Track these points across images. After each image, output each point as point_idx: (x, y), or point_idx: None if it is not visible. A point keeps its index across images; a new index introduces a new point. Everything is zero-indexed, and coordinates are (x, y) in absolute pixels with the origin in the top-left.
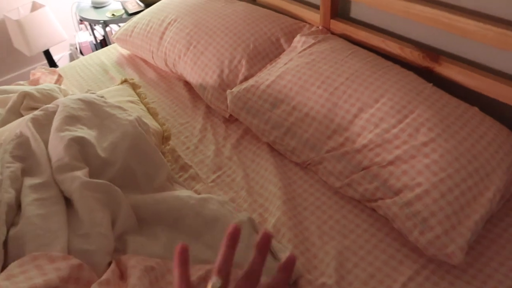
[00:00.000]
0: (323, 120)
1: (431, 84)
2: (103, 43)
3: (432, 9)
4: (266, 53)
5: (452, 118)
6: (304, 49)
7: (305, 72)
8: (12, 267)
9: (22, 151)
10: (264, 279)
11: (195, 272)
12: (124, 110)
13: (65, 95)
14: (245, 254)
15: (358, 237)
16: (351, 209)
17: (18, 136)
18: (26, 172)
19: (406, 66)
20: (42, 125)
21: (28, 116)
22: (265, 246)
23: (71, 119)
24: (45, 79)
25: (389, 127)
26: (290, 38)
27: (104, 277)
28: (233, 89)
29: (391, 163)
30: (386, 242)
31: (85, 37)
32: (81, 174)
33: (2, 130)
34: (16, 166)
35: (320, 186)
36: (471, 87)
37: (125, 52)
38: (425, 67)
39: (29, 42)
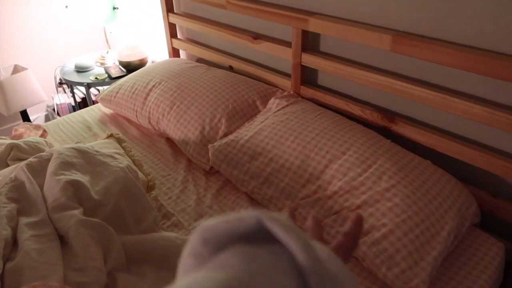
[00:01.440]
0: (297, 170)
1: (390, 140)
2: (82, 104)
3: (386, 77)
4: (243, 113)
5: (409, 168)
6: (278, 110)
7: (280, 128)
8: None
9: (17, 194)
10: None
11: None
12: (115, 158)
13: (50, 148)
14: None
15: None
16: None
17: (12, 180)
18: (21, 212)
19: (367, 125)
20: (37, 171)
21: (23, 162)
22: (359, 220)
23: (66, 165)
24: (29, 134)
25: (356, 175)
26: (265, 101)
27: None
28: (214, 143)
29: (358, 207)
30: (358, 281)
31: (63, 99)
32: (77, 213)
33: None
34: (12, 206)
35: None
36: (423, 143)
37: (108, 111)
38: (384, 126)
39: (8, 102)
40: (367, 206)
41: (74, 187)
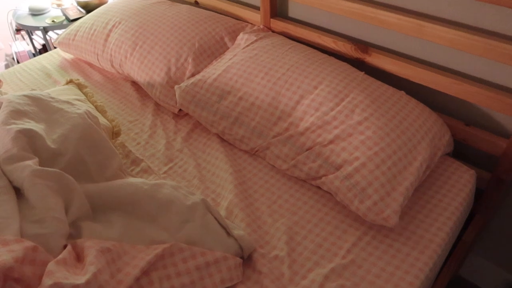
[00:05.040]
0: (268, 108)
1: (363, 72)
2: (43, 51)
3: (359, 5)
4: (211, 51)
5: (382, 99)
6: (247, 45)
7: (249, 65)
8: None
9: None
10: (219, 254)
11: (152, 251)
12: (73, 104)
13: None
14: (199, 233)
15: (306, 213)
16: (298, 189)
17: None
18: None
19: (340, 58)
20: None
21: None
22: None
23: (17, 114)
24: None
25: (328, 110)
26: (233, 37)
27: (60, 256)
28: (180, 84)
29: (331, 142)
30: (331, 215)
31: (22, 46)
32: (31, 163)
33: None
34: None
35: (269, 170)
36: (397, 74)
37: (68, 56)
38: (357, 58)
39: None
40: (339, 140)
41: (27, 136)
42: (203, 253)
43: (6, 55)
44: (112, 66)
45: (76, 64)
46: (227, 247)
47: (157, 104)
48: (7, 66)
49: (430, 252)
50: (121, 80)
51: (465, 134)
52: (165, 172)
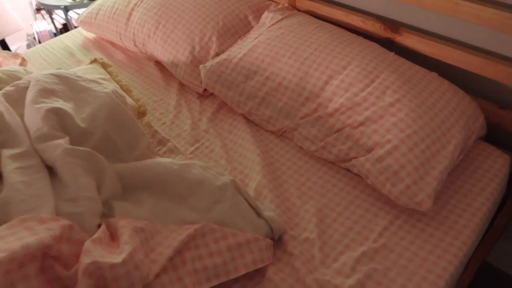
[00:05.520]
0: (296, 88)
1: (393, 52)
2: (64, 31)
3: None
4: (235, 30)
5: (414, 81)
6: (273, 24)
7: (276, 44)
8: (2, 229)
9: None
10: (250, 235)
11: (184, 231)
12: (99, 83)
13: None
14: (230, 214)
15: (335, 195)
16: (327, 171)
17: None
18: (3, 144)
19: (369, 38)
20: (14, 100)
21: (1, 92)
22: None
23: (46, 92)
24: (7, 63)
25: (358, 91)
26: (257, 16)
27: (96, 235)
28: (206, 64)
29: (362, 123)
30: (361, 198)
31: (43, 26)
32: (62, 142)
33: None
34: None
35: (296, 152)
36: (429, 54)
37: (90, 35)
38: (386, 38)
39: None
40: (370, 122)
41: (57, 115)
42: (234, 234)
43: (28, 35)
44: (135, 45)
45: (99, 43)
46: (257, 229)
47: (181, 84)
48: (28, 46)
49: (464, 238)
50: (144, 59)
51: (499, 117)
52: (191, 153)
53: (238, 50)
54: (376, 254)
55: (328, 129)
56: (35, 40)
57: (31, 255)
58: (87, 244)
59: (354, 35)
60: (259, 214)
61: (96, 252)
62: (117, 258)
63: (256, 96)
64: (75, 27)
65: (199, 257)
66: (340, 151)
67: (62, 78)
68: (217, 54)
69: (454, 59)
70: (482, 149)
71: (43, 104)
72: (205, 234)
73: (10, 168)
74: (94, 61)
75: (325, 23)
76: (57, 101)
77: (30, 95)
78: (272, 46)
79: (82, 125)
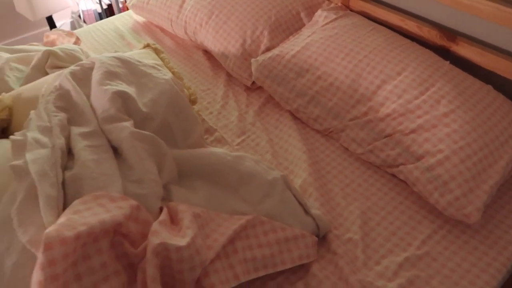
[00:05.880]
0: (347, 90)
1: (448, 61)
2: (108, 11)
3: None
4: (287, 26)
5: (469, 92)
6: (326, 23)
7: (329, 44)
8: (76, 204)
9: (64, 103)
10: (297, 230)
11: (236, 221)
12: (158, 70)
13: (86, 57)
14: (279, 208)
15: (379, 200)
16: (372, 174)
17: (57, 89)
18: (71, 122)
19: (422, 44)
20: (80, 79)
21: (67, 70)
22: None
23: (110, 75)
24: (62, 41)
25: (412, 98)
26: (310, 13)
27: (161, 217)
28: (258, 58)
29: (413, 131)
30: (405, 205)
31: (89, 4)
32: (128, 124)
33: (31, 86)
34: (62, 115)
35: (341, 152)
36: (485, 66)
37: (140, 19)
38: (441, 46)
39: (34, 7)
40: (422, 130)
41: (122, 98)
42: (283, 228)
43: (73, 13)
44: (186, 33)
45: (148, 28)
46: (304, 225)
47: (228, 75)
48: (72, 24)
49: (509, 254)
50: (192, 47)
51: None
52: (238, 144)
53: (291, 47)
54: (419, 261)
55: (378, 134)
56: (79, 19)
57: (105, 231)
58: (155, 225)
59: (409, 41)
60: (306, 211)
61: (163, 234)
62: (182, 241)
63: (306, 94)
64: (120, 9)
65: (249, 247)
66: (388, 156)
67: (124, 62)
68: (268, 49)
69: (509, 72)
70: None
71: (109, 86)
72: (255, 225)
73: (80, 145)
74: (147, 46)
75: (380, 26)
76: (121, 84)
77: (96, 76)
78: (326, 46)
79: (144, 109)
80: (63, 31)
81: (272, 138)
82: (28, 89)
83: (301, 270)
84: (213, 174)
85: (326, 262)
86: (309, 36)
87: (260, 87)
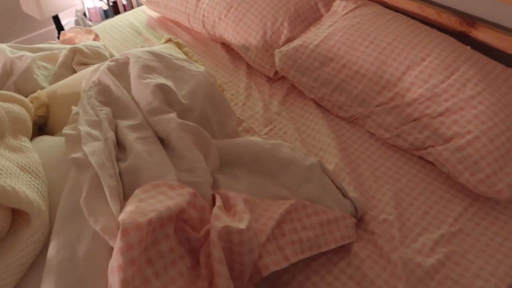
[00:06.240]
0: (373, 77)
1: (469, 46)
2: (113, 9)
3: None
4: (305, 16)
5: (493, 75)
6: (347, 13)
7: (352, 33)
8: (138, 193)
9: (106, 97)
10: (337, 213)
11: (281, 206)
12: (191, 63)
13: (110, 54)
14: (318, 192)
15: (409, 181)
16: (399, 158)
17: (97, 84)
18: (116, 115)
19: (442, 31)
20: (117, 74)
21: (103, 66)
22: None
23: (148, 69)
24: (81, 39)
25: (438, 82)
26: (327, 3)
27: (218, 203)
28: (281, 49)
29: (441, 114)
30: (435, 185)
31: (94, 2)
32: (174, 116)
33: (65, 83)
34: (107, 109)
35: (367, 138)
36: (505, 50)
37: (154, 14)
38: (461, 31)
39: (41, 5)
40: (450, 113)
41: (163, 91)
42: (324, 211)
43: (77, 11)
44: (204, 27)
45: (163, 23)
46: (343, 207)
47: (249, 67)
48: (77, 22)
49: None
50: (210, 41)
51: None
52: (266, 134)
53: (314, 37)
54: (454, 238)
55: (405, 118)
56: (84, 17)
57: (170, 217)
58: (216, 210)
59: (429, 28)
60: (344, 194)
61: (224, 218)
62: (241, 224)
63: (331, 83)
64: (124, 5)
65: (294, 230)
66: (416, 140)
67: (158, 56)
68: (288, 40)
69: None
70: None
71: (149, 80)
72: (298, 209)
73: (131, 138)
74: (169, 40)
75: (399, 14)
76: (159, 77)
77: (134, 70)
78: (349, 34)
79: (184, 101)
80: (81, 28)
81: (299, 127)
82: (62, 86)
83: (343, 250)
84: (253, 162)
85: (366, 242)
86: (331, 26)
87: (281, 78)
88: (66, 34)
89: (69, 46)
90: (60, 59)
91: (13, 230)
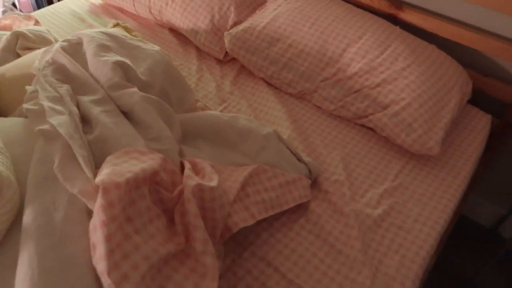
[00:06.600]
0: (316, 55)
1: (398, 26)
2: None
3: None
4: (250, 1)
5: (419, 50)
6: None
7: (296, 15)
8: (111, 159)
9: (62, 76)
10: (294, 175)
11: (244, 171)
12: (146, 42)
13: (54, 39)
14: (276, 158)
15: (354, 147)
16: (344, 127)
17: (51, 63)
18: (75, 92)
19: (374, 14)
20: (70, 54)
21: (56, 46)
22: None
23: (104, 48)
24: (19, 25)
25: (374, 57)
26: None
27: (188, 166)
28: (230, 31)
29: (378, 85)
30: (376, 148)
31: None
32: (136, 90)
33: (13, 65)
34: (67, 86)
35: (315, 111)
36: (427, 29)
37: (96, 1)
38: (390, 14)
39: None
40: (386, 84)
41: (122, 67)
42: (282, 174)
43: (5, 1)
44: (150, 12)
45: (106, 10)
46: (299, 170)
47: (199, 50)
48: (4, 12)
49: (462, 177)
50: (157, 26)
51: (482, 83)
52: (221, 111)
53: (260, 19)
54: (395, 191)
55: (347, 91)
56: (14, 7)
57: (145, 179)
58: (187, 171)
59: (362, 10)
60: (299, 159)
61: (196, 178)
62: (212, 183)
63: (279, 62)
64: None
65: (257, 191)
66: (358, 109)
67: (112, 36)
68: (236, 23)
69: (449, 33)
70: (469, 110)
71: (106, 57)
72: (259, 173)
73: (96, 111)
74: (117, 25)
75: None
76: (115, 56)
77: (90, 49)
78: (293, 17)
79: (143, 78)
80: (19, 14)
81: (252, 104)
82: (11, 68)
83: (301, 209)
84: (214, 133)
85: (321, 200)
86: (275, 9)
87: (231, 60)
88: (2, 21)
89: (8, 32)
90: (2, 44)
91: None
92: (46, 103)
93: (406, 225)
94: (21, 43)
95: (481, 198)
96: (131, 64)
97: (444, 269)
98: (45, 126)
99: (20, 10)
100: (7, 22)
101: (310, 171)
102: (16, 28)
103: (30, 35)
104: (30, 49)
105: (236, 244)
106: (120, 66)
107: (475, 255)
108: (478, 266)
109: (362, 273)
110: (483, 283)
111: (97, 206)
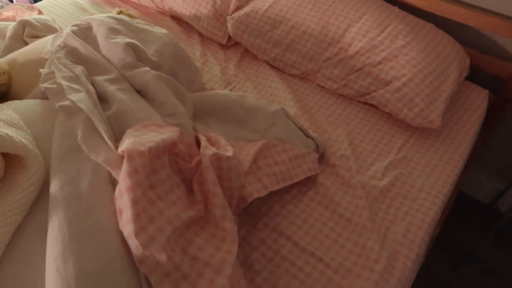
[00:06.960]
0: (319, 35)
1: (396, 6)
2: None
3: None
4: None
5: (418, 28)
6: None
7: None
8: (130, 131)
9: (75, 58)
10: (303, 149)
11: (254, 145)
12: (153, 26)
13: (59, 28)
14: (284, 134)
15: (358, 123)
16: (347, 105)
17: (63, 47)
18: (90, 73)
19: None
20: (81, 38)
21: (66, 30)
22: None
23: (114, 31)
24: (23, 16)
25: (374, 36)
26: None
27: (205, 138)
28: (233, 15)
29: (380, 62)
30: (379, 124)
31: None
32: (149, 69)
33: (24, 51)
34: (81, 67)
35: (318, 91)
36: (425, 9)
37: None
38: None
39: None
40: (387, 61)
41: (133, 48)
42: (291, 148)
43: None
44: (152, 0)
45: (107, 0)
46: (307, 145)
47: (202, 36)
48: (1, 8)
49: (463, 149)
50: (159, 14)
51: (479, 59)
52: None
53: (262, 3)
54: (399, 163)
55: (349, 69)
56: (10, 1)
57: (164, 149)
58: (204, 142)
59: None
60: (306, 135)
61: (212, 148)
62: (228, 153)
63: (282, 43)
64: None
65: (268, 165)
66: (361, 87)
67: (119, 20)
68: (237, 8)
69: (445, 11)
70: (467, 86)
71: (117, 40)
72: (269, 148)
73: (112, 89)
74: (120, 12)
75: None
76: (125, 38)
77: (100, 32)
78: None
79: (154, 58)
80: (22, 5)
81: (256, 85)
82: (22, 54)
83: (310, 182)
84: (223, 111)
85: (328, 174)
86: None
87: (234, 44)
88: (3, 13)
89: (11, 23)
90: (9, 32)
91: (7, 178)
92: (64, 82)
93: (411, 195)
94: (28, 31)
95: (480, 174)
96: (141, 46)
97: (445, 242)
98: (65, 102)
99: (11, 1)
100: (9, 13)
101: (317, 146)
102: (18, 18)
103: (36, 23)
104: (37, 37)
105: (249, 216)
106: (131, 47)
107: (475, 230)
108: (477, 241)
109: (371, 238)
110: (482, 256)
111: (122, 172)
